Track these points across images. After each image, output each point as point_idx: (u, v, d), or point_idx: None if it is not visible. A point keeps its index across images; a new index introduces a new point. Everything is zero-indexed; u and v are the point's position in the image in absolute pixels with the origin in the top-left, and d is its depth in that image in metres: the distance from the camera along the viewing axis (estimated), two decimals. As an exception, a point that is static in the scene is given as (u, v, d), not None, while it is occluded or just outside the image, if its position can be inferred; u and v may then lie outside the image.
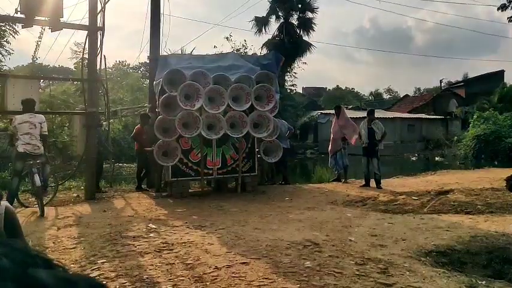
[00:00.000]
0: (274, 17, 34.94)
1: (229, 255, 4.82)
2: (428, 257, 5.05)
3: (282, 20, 34.94)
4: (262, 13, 35.15)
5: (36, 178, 7.43)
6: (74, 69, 35.01)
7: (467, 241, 5.58)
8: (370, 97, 62.75)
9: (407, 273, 4.37)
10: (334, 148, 11.66)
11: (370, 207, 8.18)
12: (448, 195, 8.74)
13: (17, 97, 8.43)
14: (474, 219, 6.89)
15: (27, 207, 8.31)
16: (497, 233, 5.93)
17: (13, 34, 15.96)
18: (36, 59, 21.76)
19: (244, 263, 4.55)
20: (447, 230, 6.08)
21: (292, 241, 5.39)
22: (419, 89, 59.03)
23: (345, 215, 7.23)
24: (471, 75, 45.32)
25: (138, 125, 10.94)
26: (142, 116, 11.02)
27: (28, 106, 7.84)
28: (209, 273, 4.28)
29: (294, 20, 35.22)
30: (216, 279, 4.14)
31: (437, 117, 37.52)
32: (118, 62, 42.42)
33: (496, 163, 20.07)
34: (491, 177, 11.60)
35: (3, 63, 17.70)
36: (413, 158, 29.05)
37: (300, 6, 34.72)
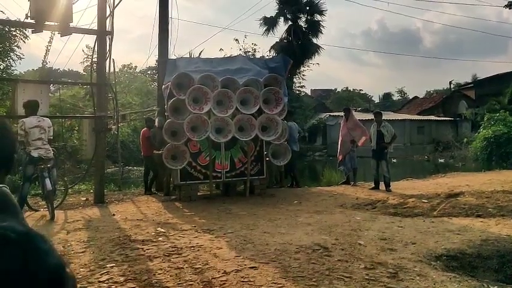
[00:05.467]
0: (282, 19, 34.92)
1: (238, 260, 4.81)
2: (438, 261, 5.00)
3: (290, 23, 34.91)
4: (270, 16, 35.14)
5: (47, 182, 7.45)
6: (83, 73, 35.32)
7: (478, 245, 5.52)
8: (379, 98, 62.51)
9: (418, 277, 4.32)
10: (344, 151, 11.61)
11: (379, 211, 8.12)
12: (458, 198, 8.65)
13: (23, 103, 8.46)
14: (485, 222, 6.81)
15: (36, 210, 8.36)
16: (509, 236, 5.86)
17: (23, 39, 16.07)
18: (46, 63, 21.92)
19: (253, 267, 4.53)
20: (458, 234, 6.02)
21: (301, 245, 5.37)
22: (429, 92, 58.63)
23: (354, 219, 7.19)
24: (481, 76, 44.96)
25: (145, 128, 11.15)
26: (147, 119, 11.68)
27: (32, 108, 7.70)
28: (218, 277, 4.27)
29: (302, 22, 35.19)
30: (224, 284, 4.13)
31: (447, 118, 37.30)
32: (125, 65, 42.61)
33: (509, 165, 19.86)
34: (502, 179, 11.49)
35: (14, 68, 17.82)
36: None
37: (308, 8, 34.67)
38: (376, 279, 4.24)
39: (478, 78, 44.73)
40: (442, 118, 37.75)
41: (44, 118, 7.88)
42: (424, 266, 4.72)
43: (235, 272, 4.40)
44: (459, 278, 4.40)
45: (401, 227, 6.55)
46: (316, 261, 4.76)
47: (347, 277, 4.28)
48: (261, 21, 34.70)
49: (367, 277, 4.29)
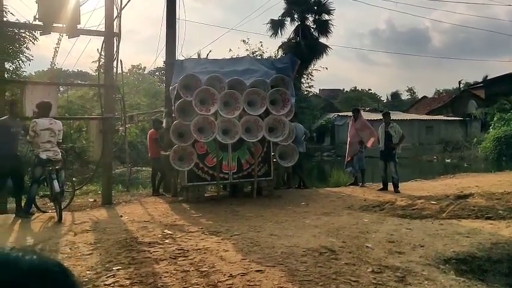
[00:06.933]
0: (289, 19, 34.86)
1: (244, 263, 4.78)
2: (447, 265, 4.94)
3: (297, 23, 34.85)
4: (278, 16, 35.09)
5: (55, 184, 7.48)
6: (92, 74, 35.48)
7: (488, 248, 5.45)
8: (387, 97, 62.18)
9: (426, 282, 4.27)
10: (352, 152, 11.55)
11: (387, 212, 8.05)
12: (467, 200, 8.54)
13: (36, 103, 8.52)
14: (495, 224, 6.72)
15: (44, 212, 8.40)
16: (519, 239, 5.78)
17: (33, 41, 16.15)
18: (55, 64, 22.01)
19: (259, 270, 4.50)
20: (467, 236, 5.94)
21: (308, 248, 5.33)
22: (439, 91, 58.29)
23: (362, 221, 7.13)
24: (492, 76, 44.52)
25: (152, 129, 11.15)
26: (155, 121, 11.61)
27: (45, 110, 7.81)
28: (224, 281, 4.24)
29: (309, 22, 35.12)
30: (230, 287, 4.11)
31: (456, 118, 37.00)
32: (134, 66, 42.75)
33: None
34: (512, 180, 11.35)
35: (23, 70, 17.89)
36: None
37: (316, 8, 34.59)
38: (384, 284, 4.19)
39: (488, 78, 44.30)
40: (451, 118, 37.46)
41: (56, 121, 7.93)
42: (432, 270, 4.66)
43: (241, 275, 4.37)
44: (468, 282, 4.34)
45: (410, 229, 6.48)
46: (323, 264, 4.72)
47: (354, 281, 4.24)
48: (269, 24, 34.69)
49: (374, 281, 4.24)
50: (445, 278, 4.43)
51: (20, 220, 7.52)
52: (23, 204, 7.96)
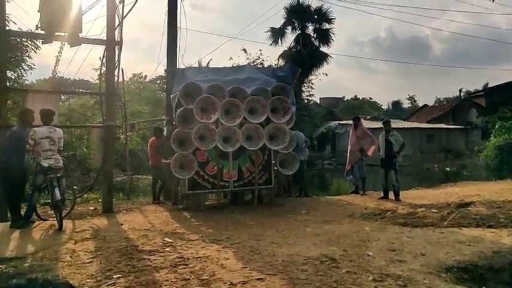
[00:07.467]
0: (290, 28, 35.04)
1: (245, 271, 4.76)
2: (449, 273, 4.91)
3: (298, 32, 35.02)
4: (279, 25, 35.26)
5: (56, 192, 7.48)
6: (93, 82, 35.61)
7: (489, 256, 5.43)
8: (388, 106, 62.34)
9: (427, 290, 4.25)
10: (352, 160, 11.56)
11: (388, 221, 8.03)
12: (469, 208, 8.53)
13: (37, 112, 8.54)
14: (497, 233, 6.70)
15: (45, 220, 8.38)
16: (521, 248, 5.76)
17: (34, 49, 16.24)
18: (56, 73, 22.12)
19: (259, 279, 4.48)
20: (468, 245, 5.92)
21: (308, 256, 5.31)
22: (439, 99, 58.49)
23: (362, 229, 7.12)
24: (492, 84, 44.64)
25: (153, 138, 11.12)
26: (155, 129, 11.52)
27: (47, 118, 7.85)
28: (224, 289, 4.22)
29: (310, 31, 35.28)
30: (231, 295, 4.09)
31: (457, 127, 37.02)
32: (136, 75, 42.91)
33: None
34: (514, 188, 11.31)
35: (25, 78, 17.97)
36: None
37: (316, 17, 34.76)
38: (385, 292, 4.17)
39: (489, 86, 44.43)
40: (452, 126, 37.49)
41: (56, 129, 7.94)
42: (434, 278, 4.64)
43: (242, 283, 4.36)
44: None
45: (411, 237, 6.47)
46: (324, 273, 4.70)
47: (355, 289, 4.21)
48: (269, 32, 34.88)
49: (375, 290, 4.22)
50: (447, 286, 4.41)
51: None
52: (22, 212, 7.95)
